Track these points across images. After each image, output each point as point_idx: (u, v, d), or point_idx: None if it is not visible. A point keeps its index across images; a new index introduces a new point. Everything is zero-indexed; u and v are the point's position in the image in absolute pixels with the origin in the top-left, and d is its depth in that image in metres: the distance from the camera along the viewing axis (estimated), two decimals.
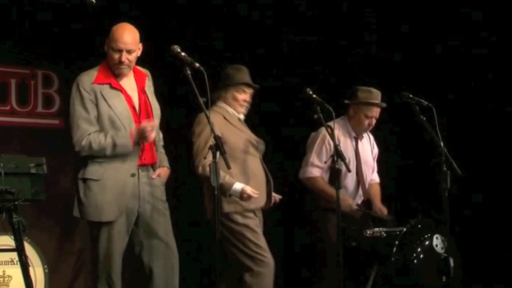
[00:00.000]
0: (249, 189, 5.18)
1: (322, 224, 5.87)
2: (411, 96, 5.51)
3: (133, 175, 4.74)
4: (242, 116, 5.49)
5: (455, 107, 7.03)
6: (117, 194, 4.69)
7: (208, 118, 4.53)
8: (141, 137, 4.67)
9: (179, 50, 4.57)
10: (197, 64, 4.50)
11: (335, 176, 5.24)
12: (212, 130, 4.52)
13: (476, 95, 7.11)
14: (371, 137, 6.28)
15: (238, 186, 5.20)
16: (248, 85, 5.44)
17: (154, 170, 4.90)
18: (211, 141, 4.59)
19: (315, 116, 5.22)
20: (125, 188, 4.70)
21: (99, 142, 4.67)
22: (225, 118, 5.36)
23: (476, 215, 7.02)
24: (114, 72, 4.77)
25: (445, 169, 5.30)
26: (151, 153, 4.85)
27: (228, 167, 4.52)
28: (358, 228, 5.88)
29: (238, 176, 5.25)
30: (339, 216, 5.12)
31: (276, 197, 5.47)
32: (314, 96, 5.26)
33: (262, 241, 5.33)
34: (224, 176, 5.05)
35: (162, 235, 4.81)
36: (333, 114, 5.28)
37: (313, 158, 5.92)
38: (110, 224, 4.70)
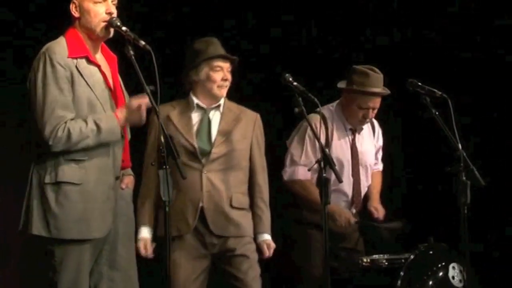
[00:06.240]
0: (142, 246, 4.88)
1: (303, 244, 5.39)
2: (420, 84, 5.04)
3: (117, 178, 4.29)
4: (216, 110, 4.97)
5: (477, 100, 6.65)
6: (101, 202, 4.20)
7: (157, 112, 4.06)
8: (130, 119, 4.22)
9: (119, 23, 4.16)
10: (143, 42, 4.10)
11: (322, 188, 4.64)
12: (162, 128, 4.07)
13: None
14: (376, 127, 5.76)
15: (141, 233, 4.94)
16: (224, 57, 4.98)
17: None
18: (161, 142, 4.11)
19: (297, 110, 4.73)
20: (110, 195, 4.23)
21: (79, 130, 4.12)
22: (168, 115, 4.96)
23: (504, 238, 6.62)
24: (93, 37, 4.26)
25: (464, 178, 4.89)
26: (128, 153, 4.40)
27: (183, 177, 4.11)
28: (351, 253, 5.45)
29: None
30: (326, 237, 4.56)
31: (265, 248, 5.01)
32: (295, 83, 4.74)
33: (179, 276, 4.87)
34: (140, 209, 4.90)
35: (125, 266, 4.34)
36: (319, 106, 4.80)
37: (301, 156, 5.42)
38: (90, 245, 4.18)
